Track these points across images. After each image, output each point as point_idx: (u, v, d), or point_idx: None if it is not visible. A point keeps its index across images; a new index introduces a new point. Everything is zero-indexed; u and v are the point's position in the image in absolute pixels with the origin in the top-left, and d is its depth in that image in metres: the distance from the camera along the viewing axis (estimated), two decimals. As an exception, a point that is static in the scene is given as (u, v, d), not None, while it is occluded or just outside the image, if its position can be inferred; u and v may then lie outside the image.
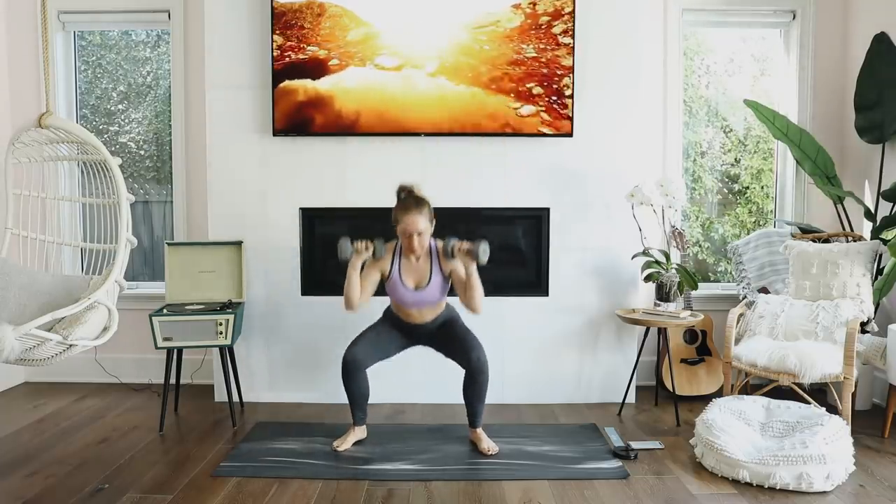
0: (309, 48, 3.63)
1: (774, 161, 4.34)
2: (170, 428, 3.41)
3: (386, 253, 3.08)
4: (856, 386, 3.44)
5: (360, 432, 3.19)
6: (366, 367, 3.10)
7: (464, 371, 3.09)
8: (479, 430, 3.13)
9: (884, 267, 3.59)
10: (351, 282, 3.01)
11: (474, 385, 3.06)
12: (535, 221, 3.84)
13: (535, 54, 3.65)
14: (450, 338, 3.16)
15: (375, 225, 3.84)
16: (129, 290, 3.89)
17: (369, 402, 3.19)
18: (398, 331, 3.21)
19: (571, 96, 3.65)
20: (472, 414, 3.12)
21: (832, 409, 3.08)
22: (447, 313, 3.22)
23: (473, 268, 2.96)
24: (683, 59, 4.19)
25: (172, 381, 3.53)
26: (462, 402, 3.15)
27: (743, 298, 3.86)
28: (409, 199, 3.04)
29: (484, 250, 2.89)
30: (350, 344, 3.12)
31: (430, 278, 3.06)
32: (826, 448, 2.66)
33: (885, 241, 3.49)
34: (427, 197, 3.08)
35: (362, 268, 3.06)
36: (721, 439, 2.81)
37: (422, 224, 2.97)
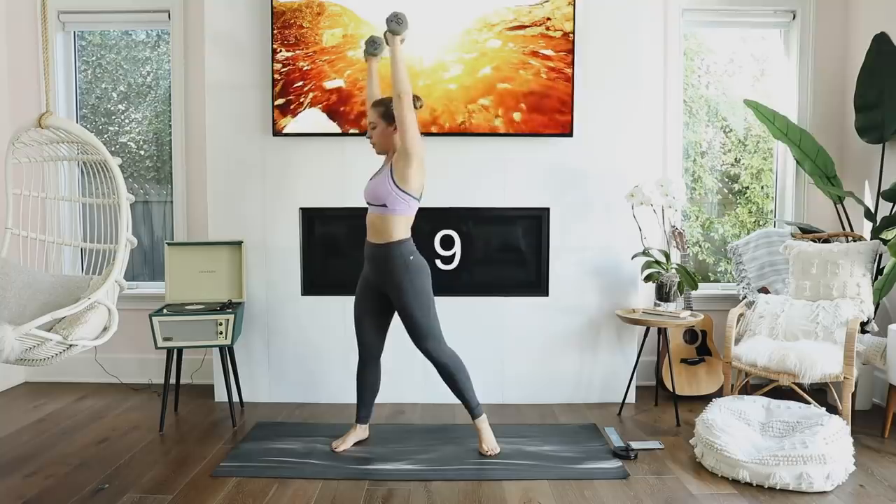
0: (309, 51, 3.64)
1: (774, 161, 4.34)
2: (170, 428, 3.41)
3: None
4: (856, 386, 3.45)
5: (360, 432, 3.19)
6: (375, 354, 3.12)
7: None
8: (478, 423, 3.08)
9: (884, 267, 3.59)
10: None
11: (440, 374, 3.05)
12: (535, 221, 3.84)
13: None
14: (399, 310, 3.01)
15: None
16: (129, 290, 3.87)
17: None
18: (365, 277, 3.08)
19: (572, 96, 3.65)
20: (463, 405, 3.08)
21: (832, 409, 3.08)
22: (393, 263, 2.93)
23: (395, 41, 2.89)
24: (683, 59, 4.19)
25: (172, 381, 3.53)
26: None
27: (743, 298, 3.86)
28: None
29: (394, 17, 2.85)
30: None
31: (383, 170, 3.01)
32: (826, 448, 2.66)
33: (885, 241, 3.49)
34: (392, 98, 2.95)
35: None
36: (721, 439, 2.81)
37: (370, 115, 3.01)
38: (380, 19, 3.60)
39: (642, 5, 3.81)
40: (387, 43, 2.96)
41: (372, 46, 3.08)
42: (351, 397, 3.58)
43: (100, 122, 4.33)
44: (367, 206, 3.04)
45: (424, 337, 2.99)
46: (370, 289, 3.08)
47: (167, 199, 4.30)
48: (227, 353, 3.49)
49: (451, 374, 3.03)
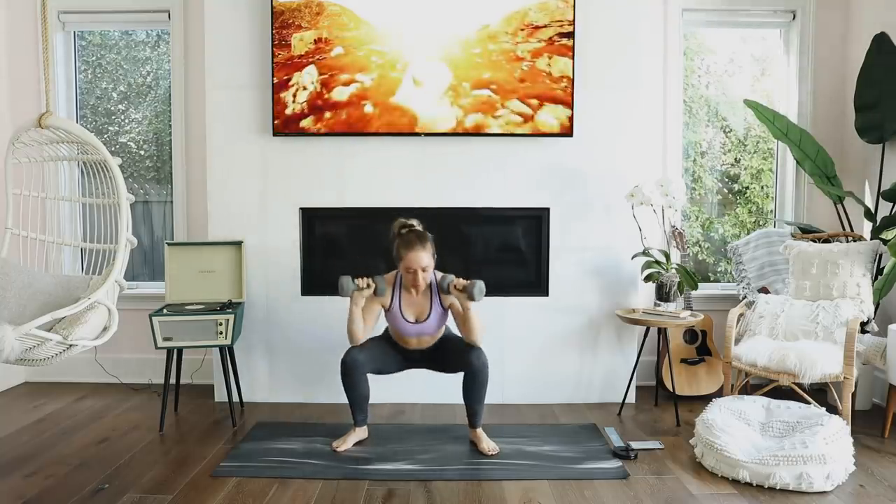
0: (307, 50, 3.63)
1: (774, 161, 4.34)
2: (170, 428, 3.41)
3: (387, 286, 3.07)
4: (856, 386, 3.45)
5: (360, 433, 3.19)
6: (365, 371, 3.10)
7: (463, 372, 3.09)
8: (480, 430, 3.13)
9: (884, 267, 3.59)
10: (354, 319, 3.03)
11: (475, 385, 3.06)
12: (535, 221, 3.84)
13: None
14: (446, 351, 3.18)
15: (375, 225, 3.86)
16: (129, 290, 3.87)
17: (369, 402, 3.19)
18: (397, 353, 3.22)
19: (571, 95, 3.65)
20: (472, 414, 3.12)
21: (832, 409, 3.08)
22: (448, 335, 3.26)
23: (470, 305, 2.98)
24: (683, 59, 4.19)
25: (172, 381, 3.53)
26: (462, 402, 3.15)
27: (743, 298, 3.86)
28: (411, 234, 3.02)
29: (479, 290, 2.92)
30: (350, 346, 3.12)
31: (429, 312, 3.09)
32: (826, 448, 2.66)
33: (885, 241, 3.49)
34: (428, 233, 3.07)
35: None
36: (721, 439, 2.81)
37: (425, 260, 2.98)
38: (379, 18, 3.63)
39: (642, 5, 3.81)
40: (448, 288, 2.99)
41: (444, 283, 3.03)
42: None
43: (100, 122, 4.33)
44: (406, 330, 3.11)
45: (480, 345, 3.09)
46: (404, 363, 3.23)
47: (167, 199, 4.30)
48: (227, 353, 3.49)
49: (485, 381, 3.08)
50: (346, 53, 3.36)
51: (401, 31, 3.61)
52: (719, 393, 3.65)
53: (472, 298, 2.93)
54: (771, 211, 4.36)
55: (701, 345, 3.89)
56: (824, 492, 2.64)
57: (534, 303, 3.82)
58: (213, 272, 3.67)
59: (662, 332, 3.75)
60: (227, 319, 3.36)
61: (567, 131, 3.66)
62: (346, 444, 3.11)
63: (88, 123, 4.32)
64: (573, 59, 3.62)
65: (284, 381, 3.82)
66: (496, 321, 3.78)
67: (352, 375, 3.07)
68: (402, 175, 3.76)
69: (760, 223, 4.38)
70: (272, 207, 3.77)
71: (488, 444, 3.06)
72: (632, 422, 3.53)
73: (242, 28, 3.71)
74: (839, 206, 3.90)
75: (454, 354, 3.13)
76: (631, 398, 3.77)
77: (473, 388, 3.07)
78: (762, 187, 4.37)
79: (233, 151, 3.76)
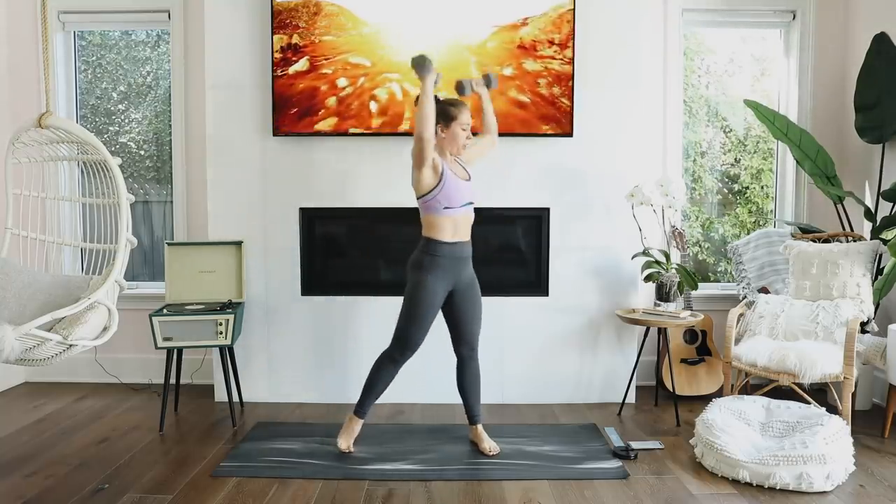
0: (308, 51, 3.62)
1: (774, 161, 4.34)
2: (170, 428, 3.41)
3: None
4: (856, 386, 3.45)
5: (359, 425, 3.15)
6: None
7: (456, 360, 3.10)
8: (480, 429, 3.12)
9: (884, 267, 3.59)
10: (430, 101, 2.80)
11: (469, 373, 3.08)
12: (535, 221, 3.84)
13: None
14: (469, 306, 3.05)
15: (376, 225, 3.86)
16: (129, 290, 3.87)
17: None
18: (441, 280, 2.95)
19: (571, 96, 3.65)
20: (470, 408, 3.11)
21: (832, 409, 3.08)
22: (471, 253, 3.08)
23: (485, 92, 3.18)
24: (683, 59, 4.18)
25: (172, 381, 3.53)
26: (460, 401, 3.14)
27: (743, 298, 3.86)
28: (447, 99, 3.02)
29: (494, 76, 3.16)
30: (401, 341, 2.98)
31: (468, 171, 3.08)
32: (826, 448, 2.67)
33: (885, 241, 3.49)
34: None
35: None
36: (721, 439, 2.81)
37: (471, 119, 3.04)
38: (379, 18, 3.63)
39: (642, 5, 3.81)
40: (472, 88, 3.09)
41: (461, 90, 3.10)
42: (350, 397, 3.56)
43: (100, 122, 4.33)
44: (453, 208, 2.93)
45: (479, 328, 3.09)
46: (442, 293, 2.98)
47: (167, 199, 4.30)
48: (227, 353, 3.49)
49: (476, 370, 3.09)
50: (310, 69, 3.14)
51: (399, 30, 3.60)
52: (719, 393, 3.65)
53: (489, 84, 3.15)
54: (771, 211, 4.36)
55: (701, 345, 3.89)
56: (824, 492, 2.64)
57: (534, 303, 3.82)
58: (213, 272, 3.67)
59: (662, 332, 3.75)
60: (227, 319, 3.36)
61: (567, 131, 3.67)
62: (350, 439, 3.07)
63: (88, 123, 4.31)
64: (573, 58, 3.63)
65: (284, 381, 3.82)
66: (496, 321, 3.78)
67: (390, 367, 3.03)
68: (402, 175, 3.75)
69: (760, 223, 4.38)
70: (272, 207, 3.77)
71: (489, 444, 3.06)
72: (632, 422, 3.53)
73: (242, 28, 3.71)
74: (839, 206, 3.90)
75: (468, 316, 3.04)
76: (631, 398, 3.77)
77: (468, 376, 3.08)
78: (762, 187, 4.37)
79: (233, 151, 3.75)
